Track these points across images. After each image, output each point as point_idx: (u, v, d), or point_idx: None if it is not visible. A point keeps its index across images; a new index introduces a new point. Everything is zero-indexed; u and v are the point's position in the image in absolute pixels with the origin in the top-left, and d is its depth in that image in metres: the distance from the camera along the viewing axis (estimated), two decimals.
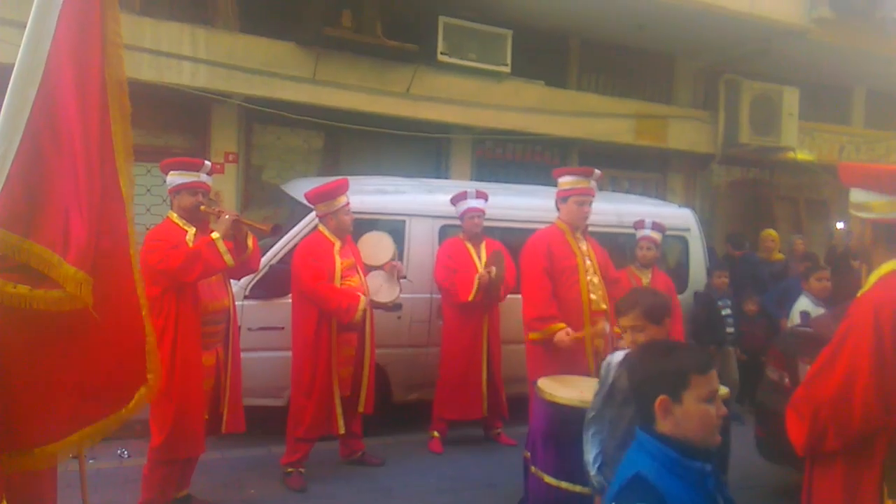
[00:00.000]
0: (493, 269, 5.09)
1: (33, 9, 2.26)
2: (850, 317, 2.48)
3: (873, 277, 2.51)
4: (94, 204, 2.16)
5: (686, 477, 1.66)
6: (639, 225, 5.73)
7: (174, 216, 4.00)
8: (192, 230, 3.96)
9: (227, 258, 3.79)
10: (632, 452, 1.76)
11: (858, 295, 2.55)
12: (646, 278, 5.61)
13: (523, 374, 4.50)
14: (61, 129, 2.19)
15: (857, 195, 2.56)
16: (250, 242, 4.05)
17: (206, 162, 4.08)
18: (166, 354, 3.74)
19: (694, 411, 1.69)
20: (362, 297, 4.45)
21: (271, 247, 5.18)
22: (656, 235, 5.69)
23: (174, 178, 3.98)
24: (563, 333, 4.17)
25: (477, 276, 5.07)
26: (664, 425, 1.71)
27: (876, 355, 2.34)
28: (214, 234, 3.79)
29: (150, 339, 2.45)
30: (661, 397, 1.69)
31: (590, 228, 4.73)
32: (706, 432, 1.71)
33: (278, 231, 4.26)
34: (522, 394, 4.82)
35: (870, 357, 2.34)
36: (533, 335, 4.33)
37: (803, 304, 5.57)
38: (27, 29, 2.24)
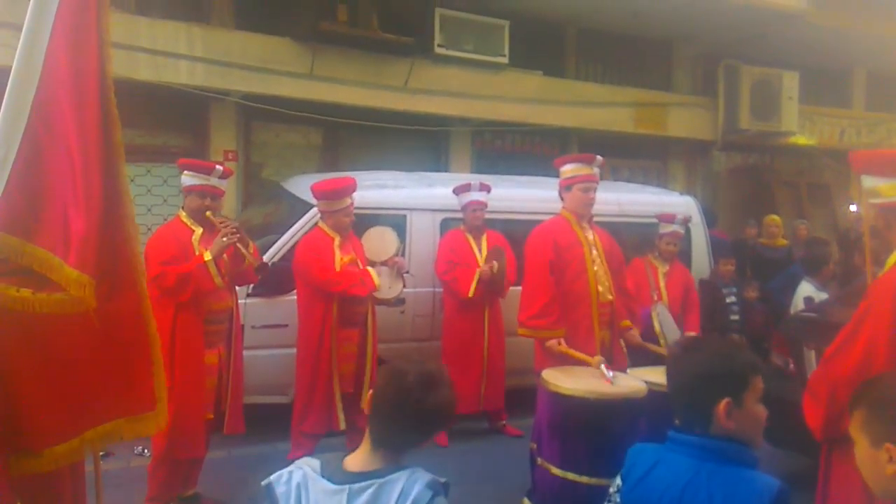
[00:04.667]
0: (495, 263, 5.08)
1: (29, 10, 2.25)
2: (869, 297, 2.49)
3: (892, 260, 2.52)
4: (95, 204, 2.15)
5: None
6: (666, 218, 5.70)
7: (183, 215, 4.03)
8: (199, 230, 3.97)
9: (218, 280, 3.82)
10: (717, 468, 1.58)
11: (878, 276, 2.57)
12: (663, 269, 5.62)
13: (529, 365, 4.50)
14: (58, 131, 2.18)
15: (866, 181, 2.57)
16: (249, 255, 4.02)
17: (218, 167, 4.07)
18: (165, 354, 3.73)
19: (754, 413, 1.63)
20: (369, 269, 4.55)
21: (272, 244, 5.18)
22: (682, 230, 5.72)
23: (185, 178, 4.01)
24: (555, 342, 4.11)
25: (478, 272, 5.07)
26: (722, 429, 1.62)
27: (895, 334, 2.34)
28: (207, 256, 3.79)
29: (157, 358, 2.40)
30: (727, 400, 1.60)
31: (594, 218, 4.71)
32: (760, 434, 1.66)
33: (264, 270, 4.27)
34: (529, 385, 4.82)
35: (888, 336, 2.35)
36: (522, 331, 4.27)
37: (807, 289, 5.55)
38: (24, 31, 2.22)
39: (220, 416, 4.04)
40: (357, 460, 1.71)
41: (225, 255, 3.92)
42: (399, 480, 1.66)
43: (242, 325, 4.84)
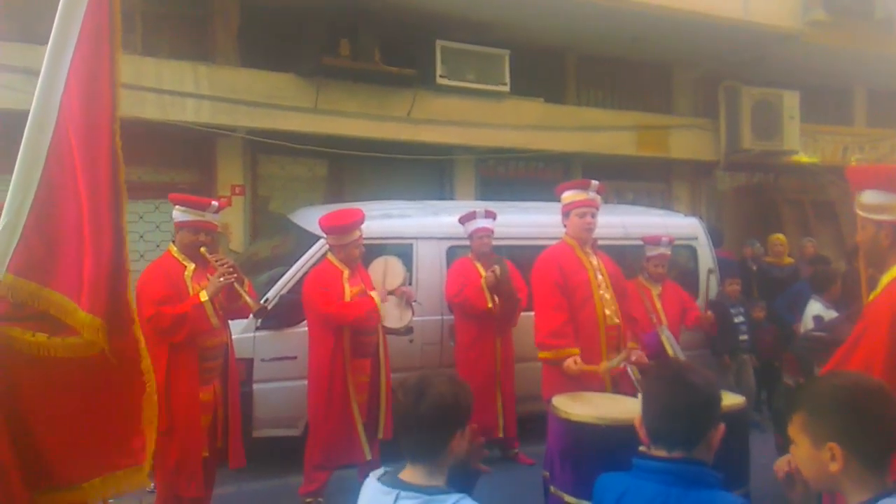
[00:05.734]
0: (497, 267, 5.12)
1: (46, 58, 2.29)
2: (866, 318, 2.46)
3: (885, 279, 2.49)
4: (105, 246, 2.18)
5: None
6: (651, 240, 5.70)
7: (174, 250, 3.96)
8: (191, 266, 3.91)
9: (214, 321, 3.76)
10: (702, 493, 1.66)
11: (870, 298, 2.54)
12: (656, 290, 5.61)
13: (540, 392, 4.48)
14: (72, 176, 2.22)
15: (871, 197, 2.50)
16: (247, 296, 3.95)
17: (213, 202, 4.02)
18: (160, 395, 3.67)
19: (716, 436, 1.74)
20: (373, 294, 4.48)
21: (281, 277, 5.22)
22: (669, 252, 5.71)
23: (178, 213, 3.94)
24: (572, 361, 4.11)
25: (482, 279, 5.12)
26: (704, 453, 1.70)
27: (891, 356, 2.32)
28: (203, 296, 3.73)
29: (148, 390, 2.34)
30: (722, 424, 1.71)
31: (598, 243, 4.73)
32: (712, 455, 1.75)
33: (263, 313, 4.14)
34: (541, 411, 4.80)
35: (884, 358, 2.32)
36: (543, 354, 4.29)
37: (815, 308, 5.54)
38: (40, 79, 2.26)
39: (215, 453, 3.96)
40: (408, 474, 1.86)
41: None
42: (446, 502, 1.76)
43: (251, 359, 4.87)
